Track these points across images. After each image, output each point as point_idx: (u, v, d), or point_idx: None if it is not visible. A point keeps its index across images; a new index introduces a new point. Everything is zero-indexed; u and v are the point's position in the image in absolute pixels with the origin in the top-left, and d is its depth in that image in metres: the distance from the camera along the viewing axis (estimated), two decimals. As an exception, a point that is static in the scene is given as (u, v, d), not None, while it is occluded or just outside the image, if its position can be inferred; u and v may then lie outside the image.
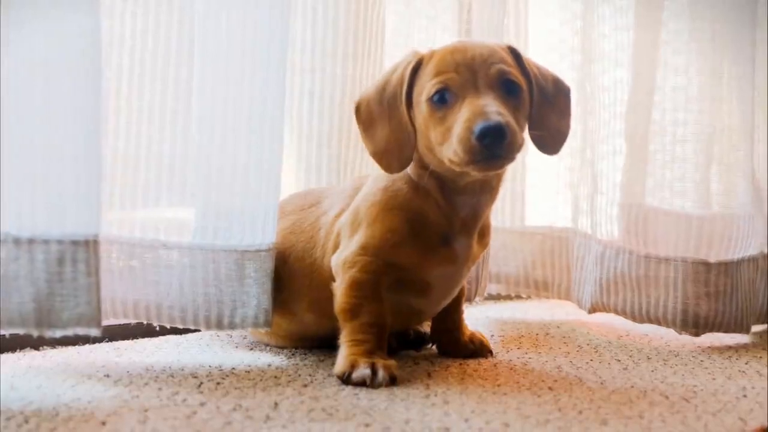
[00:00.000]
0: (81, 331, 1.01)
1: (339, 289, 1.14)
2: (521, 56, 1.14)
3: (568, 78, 1.59)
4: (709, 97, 1.47)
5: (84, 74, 1.02)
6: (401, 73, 1.13)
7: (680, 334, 1.45)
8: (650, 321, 1.45)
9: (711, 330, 1.43)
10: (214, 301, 1.17)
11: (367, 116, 1.15)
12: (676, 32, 1.48)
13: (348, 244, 1.15)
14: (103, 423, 0.89)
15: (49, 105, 1.00)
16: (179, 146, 1.19)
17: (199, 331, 1.32)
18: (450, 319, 1.27)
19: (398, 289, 1.15)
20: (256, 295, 1.18)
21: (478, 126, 1.01)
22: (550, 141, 1.16)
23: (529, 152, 1.66)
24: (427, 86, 1.09)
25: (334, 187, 1.30)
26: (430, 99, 1.08)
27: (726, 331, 1.44)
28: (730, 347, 1.40)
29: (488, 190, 1.15)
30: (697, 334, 1.43)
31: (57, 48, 1.00)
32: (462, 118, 1.04)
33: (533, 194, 1.68)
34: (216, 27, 1.16)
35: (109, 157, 1.17)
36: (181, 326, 1.19)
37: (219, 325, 1.18)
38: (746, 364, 1.28)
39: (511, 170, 1.62)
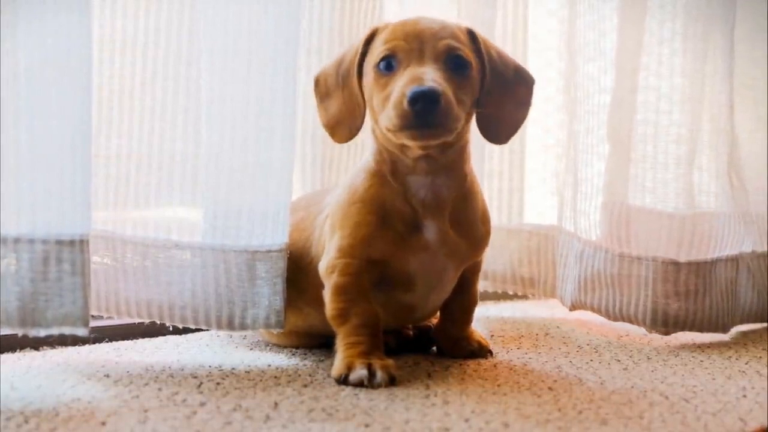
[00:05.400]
0: (67, 330, 1.01)
1: (326, 296, 1.14)
2: (478, 38, 1.14)
3: (563, 77, 1.60)
4: (690, 97, 1.47)
5: (72, 74, 1.02)
6: (356, 45, 1.15)
7: (650, 332, 1.45)
8: (623, 319, 1.46)
9: (682, 329, 1.43)
10: (225, 302, 1.18)
11: (324, 89, 1.18)
12: (660, 33, 1.48)
13: (328, 249, 1.15)
14: (103, 423, 0.89)
15: (36, 104, 1.00)
16: (191, 145, 1.20)
17: (200, 330, 1.32)
18: (453, 320, 1.26)
19: (383, 286, 1.15)
20: (267, 295, 1.18)
21: (410, 90, 1.02)
22: (500, 128, 1.16)
23: (528, 152, 1.68)
24: (375, 53, 1.10)
25: (333, 188, 1.30)
26: (377, 65, 1.10)
27: (699, 331, 1.44)
28: (730, 347, 1.40)
29: (443, 170, 1.13)
30: (666, 333, 1.44)
31: (44, 46, 1.00)
32: (399, 84, 1.05)
33: (523, 192, 1.68)
34: (224, 24, 1.16)
35: (123, 157, 1.18)
36: (193, 326, 1.20)
37: (230, 326, 1.18)
38: (746, 364, 1.28)
39: (498, 168, 1.63)
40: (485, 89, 1.13)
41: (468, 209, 1.17)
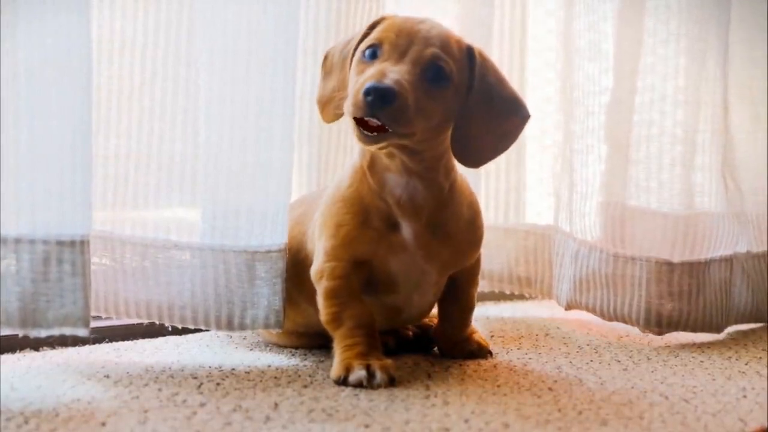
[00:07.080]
0: (68, 331, 1.01)
1: (319, 301, 1.14)
2: (476, 59, 1.12)
3: (561, 77, 1.60)
4: (687, 98, 1.47)
5: (72, 74, 1.01)
6: (363, 29, 1.14)
7: (644, 332, 1.45)
8: (617, 319, 1.46)
9: (675, 329, 1.44)
10: (225, 302, 1.18)
11: (329, 66, 1.18)
12: (658, 34, 1.48)
13: (317, 253, 1.16)
14: (103, 423, 0.89)
15: (36, 104, 1.00)
16: (190, 145, 1.20)
17: (200, 331, 1.32)
18: (451, 323, 1.26)
19: (368, 288, 1.15)
20: (267, 296, 1.18)
21: (368, 83, 1.02)
22: (474, 152, 1.14)
23: (527, 153, 1.68)
24: (366, 40, 1.10)
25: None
26: (363, 51, 1.09)
27: (693, 331, 1.45)
28: (730, 348, 1.40)
29: (416, 175, 1.12)
30: (660, 333, 1.44)
31: (44, 46, 1.00)
32: (367, 74, 1.05)
33: (520, 192, 1.68)
34: (223, 25, 1.16)
35: (122, 157, 1.18)
36: (192, 326, 1.20)
37: (230, 326, 1.19)
38: (746, 364, 1.28)
39: (495, 167, 1.63)
40: (468, 109, 1.11)
41: (449, 218, 1.16)
